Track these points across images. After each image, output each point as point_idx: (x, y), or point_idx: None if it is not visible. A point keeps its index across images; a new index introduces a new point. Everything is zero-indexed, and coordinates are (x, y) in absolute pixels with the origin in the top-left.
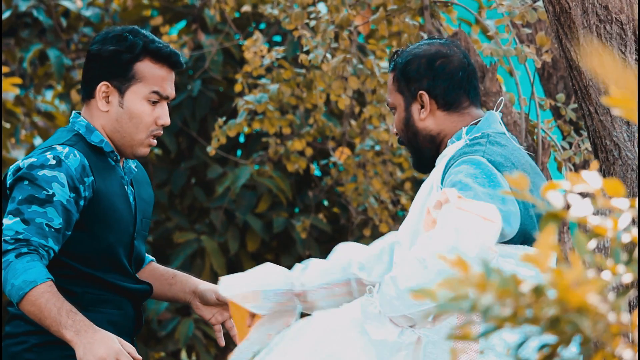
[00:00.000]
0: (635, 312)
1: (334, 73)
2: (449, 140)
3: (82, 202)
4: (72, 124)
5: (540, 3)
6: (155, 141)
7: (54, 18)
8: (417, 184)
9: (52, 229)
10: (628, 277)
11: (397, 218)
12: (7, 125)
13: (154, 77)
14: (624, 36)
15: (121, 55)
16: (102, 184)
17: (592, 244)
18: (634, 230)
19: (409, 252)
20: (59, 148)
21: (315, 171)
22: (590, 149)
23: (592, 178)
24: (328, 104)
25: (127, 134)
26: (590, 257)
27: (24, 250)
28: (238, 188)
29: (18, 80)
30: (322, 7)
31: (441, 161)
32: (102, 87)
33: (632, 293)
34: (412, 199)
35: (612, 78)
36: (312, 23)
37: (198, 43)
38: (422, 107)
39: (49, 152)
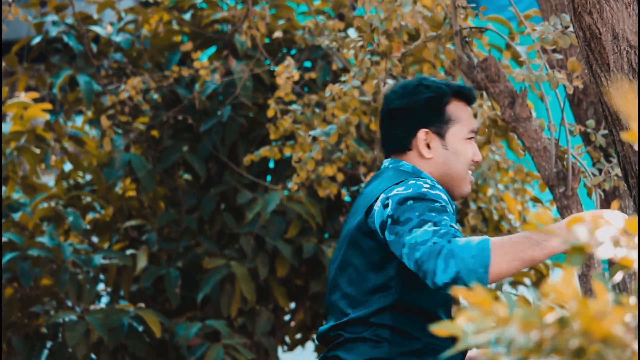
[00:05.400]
0: None
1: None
2: None
3: None
4: (394, 170)
5: (571, 29)
6: (473, 178)
7: (85, 44)
8: None
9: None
10: None
11: None
12: (37, 150)
13: (465, 117)
14: None
15: (435, 100)
16: None
17: (619, 276)
18: None
19: None
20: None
21: (346, 197)
22: (620, 175)
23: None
24: (359, 130)
25: (456, 173)
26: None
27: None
28: (268, 214)
29: (48, 106)
30: (352, 33)
31: None
32: (421, 134)
33: None
34: None
35: (632, 113)
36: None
37: (228, 69)
38: None
39: (413, 181)
